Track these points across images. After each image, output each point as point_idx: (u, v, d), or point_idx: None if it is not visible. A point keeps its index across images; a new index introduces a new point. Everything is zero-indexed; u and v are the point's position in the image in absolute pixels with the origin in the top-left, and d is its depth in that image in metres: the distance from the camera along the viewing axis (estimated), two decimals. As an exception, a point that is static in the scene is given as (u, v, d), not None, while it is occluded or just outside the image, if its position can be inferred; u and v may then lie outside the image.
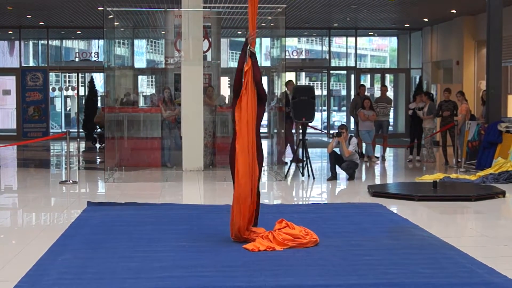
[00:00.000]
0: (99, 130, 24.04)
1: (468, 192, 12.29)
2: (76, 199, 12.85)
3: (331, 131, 22.01)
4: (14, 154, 22.01)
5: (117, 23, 18.40)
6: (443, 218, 10.62)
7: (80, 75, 29.84)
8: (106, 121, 16.79)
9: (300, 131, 16.52)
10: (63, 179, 14.74)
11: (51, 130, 28.60)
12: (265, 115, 25.53)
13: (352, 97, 26.60)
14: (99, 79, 28.64)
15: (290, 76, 28.94)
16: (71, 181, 14.27)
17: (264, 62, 28.81)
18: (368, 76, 31.45)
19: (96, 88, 27.71)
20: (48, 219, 10.80)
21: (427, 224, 9.57)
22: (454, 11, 23.50)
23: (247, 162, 8.19)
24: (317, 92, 29.44)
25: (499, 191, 12.51)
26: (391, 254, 7.51)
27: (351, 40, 29.70)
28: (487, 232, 9.41)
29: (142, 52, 29.68)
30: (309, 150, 15.99)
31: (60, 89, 30.26)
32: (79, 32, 29.07)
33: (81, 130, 27.77)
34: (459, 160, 17.19)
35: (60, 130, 29.42)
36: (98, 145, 23.56)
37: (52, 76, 29.57)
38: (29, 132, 26.93)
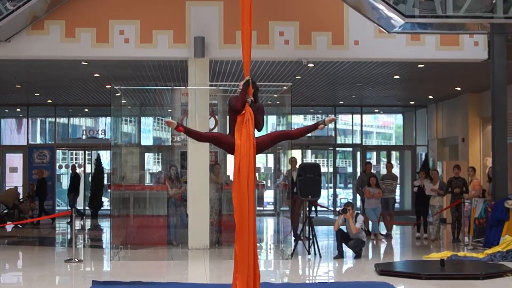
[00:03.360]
0: (5, 210, 23.89)
1: (476, 270, 12.19)
2: (81, 277, 12.77)
3: (337, 209, 21.96)
4: (19, 232, 21.95)
5: (124, 101, 18.57)
6: (451, 297, 10.52)
7: (87, 152, 29.95)
8: (113, 199, 16.78)
9: (307, 208, 16.50)
10: (68, 257, 14.66)
11: (57, 208, 28.55)
12: (271, 192, 25.58)
13: (358, 174, 26.60)
14: (106, 156, 28.74)
15: (296, 153, 28.99)
16: (77, 260, 14.20)
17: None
18: (374, 153, 31.49)
19: (102, 165, 27.80)
20: (53, 298, 10.72)
21: (435, 303, 9.47)
22: (459, 89, 23.66)
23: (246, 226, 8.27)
24: (323, 169, 29.47)
25: (507, 269, 12.40)
26: (399, 334, 7.43)
27: (357, 117, 29.83)
28: (496, 311, 9.31)
29: (149, 130, 29.84)
30: (316, 227, 15.95)
31: (67, 167, 30.32)
32: (87, 110, 29.29)
33: (87, 207, 27.75)
34: (465, 237, 17.10)
35: (66, 208, 29.36)
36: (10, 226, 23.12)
37: (59, 153, 29.68)
38: (34, 209, 26.88)
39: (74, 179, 25.79)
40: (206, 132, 9.53)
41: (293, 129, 9.39)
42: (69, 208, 24.93)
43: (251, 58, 8.79)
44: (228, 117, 8.89)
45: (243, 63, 8.73)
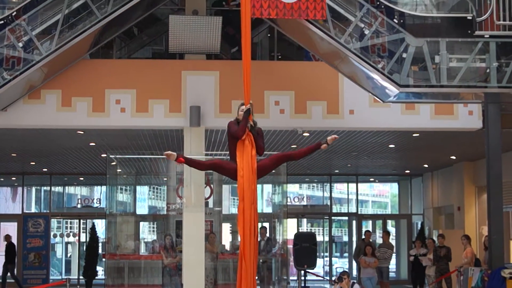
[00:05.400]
0: None
1: None
2: None
3: (333, 278, 21.81)
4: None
5: (120, 170, 18.59)
6: None
7: (81, 221, 29.84)
8: (107, 268, 16.68)
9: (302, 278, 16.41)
10: (62, 327, 14.51)
11: (51, 277, 28.33)
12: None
13: (354, 243, 26.48)
14: (100, 225, 28.63)
15: (291, 222, 28.89)
16: (70, 330, 14.05)
17: (265, 208, 28.85)
18: (370, 222, 31.42)
19: (97, 234, 27.67)
20: None
21: None
22: (454, 157, 23.72)
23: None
24: (319, 238, 29.34)
25: None
26: None
27: (352, 186, 29.84)
28: None
29: (144, 199, 29.80)
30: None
31: (62, 236, 30.19)
32: (82, 178, 29.27)
33: (81, 277, 27.54)
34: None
35: (60, 277, 29.14)
36: None
37: (53, 222, 29.56)
38: (29, 279, 26.65)
39: (9, 249, 25.34)
40: (207, 160, 9.82)
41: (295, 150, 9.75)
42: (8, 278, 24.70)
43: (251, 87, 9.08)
44: (228, 143, 9.15)
45: (244, 91, 9.01)
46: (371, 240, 21.39)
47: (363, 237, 22.61)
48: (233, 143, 9.09)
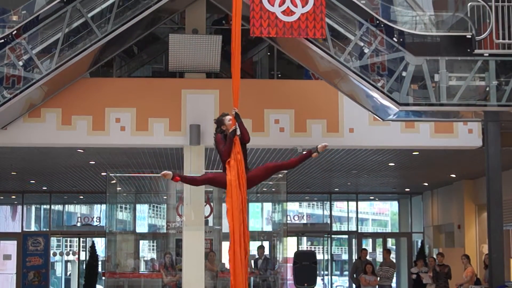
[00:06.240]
0: None
1: None
2: None
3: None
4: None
5: (120, 188, 18.57)
6: None
7: (81, 239, 29.78)
8: (107, 287, 16.65)
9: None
10: None
11: (51, 296, 28.30)
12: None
13: (354, 261, 26.44)
14: (100, 243, 28.58)
15: (291, 240, 28.85)
16: None
17: (265, 226, 28.81)
18: (370, 240, 31.37)
19: (97, 253, 27.62)
20: None
21: None
22: (454, 176, 23.71)
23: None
24: (319, 256, 29.28)
25: None
26: None
27: (352, 204, 29.79)
28: None
29: (144, 217, 29.76)
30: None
31: (61, 254, 30.12)
32: (82, 197, 29.24)
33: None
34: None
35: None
36: None
37: (53, 240, 29.51)
38: None
39: None
40: (201, 175, 9.95)
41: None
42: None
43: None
44: (218, 155, 9.31)
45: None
46: (368, 258, 21.30)
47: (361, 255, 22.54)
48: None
